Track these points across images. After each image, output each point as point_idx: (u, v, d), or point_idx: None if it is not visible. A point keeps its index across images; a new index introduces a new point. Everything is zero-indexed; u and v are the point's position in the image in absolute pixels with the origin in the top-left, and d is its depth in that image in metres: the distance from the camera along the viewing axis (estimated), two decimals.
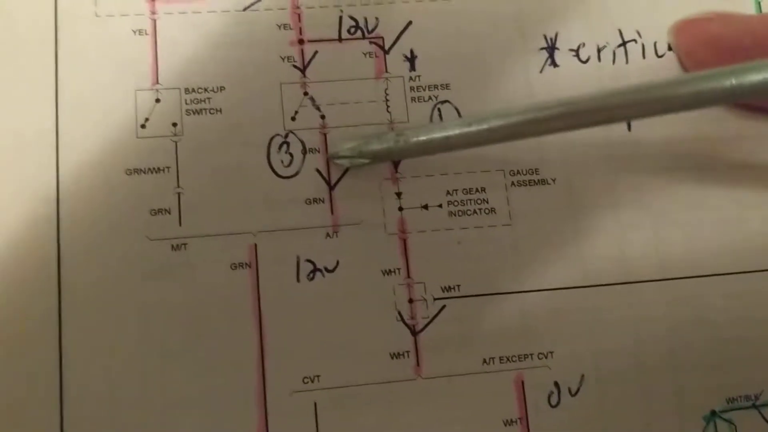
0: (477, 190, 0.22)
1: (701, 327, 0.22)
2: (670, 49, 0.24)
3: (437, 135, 0.21)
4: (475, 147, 0.21)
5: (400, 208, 0.22)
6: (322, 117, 0.22)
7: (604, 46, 0.24)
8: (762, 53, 0.21)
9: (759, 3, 0.25)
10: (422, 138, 0.21)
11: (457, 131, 0.21)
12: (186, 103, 0.22)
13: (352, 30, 0.23)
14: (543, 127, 0.20)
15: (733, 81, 0.19)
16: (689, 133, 0.24)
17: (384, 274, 0.22)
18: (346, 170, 0.22)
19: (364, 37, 0.23)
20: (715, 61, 0.22)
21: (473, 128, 0.20)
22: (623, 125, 0.23)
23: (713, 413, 0.22)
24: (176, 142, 0.22)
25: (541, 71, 0.23)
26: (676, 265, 0.23)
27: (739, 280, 0.23)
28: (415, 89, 0.23)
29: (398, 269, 0.22)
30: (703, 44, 0.23)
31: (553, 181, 0.23)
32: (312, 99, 0.22)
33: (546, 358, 0.22)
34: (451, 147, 0.21)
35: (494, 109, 0.21)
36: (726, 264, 0.23)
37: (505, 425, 0.21)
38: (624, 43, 0.24)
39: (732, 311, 0.23)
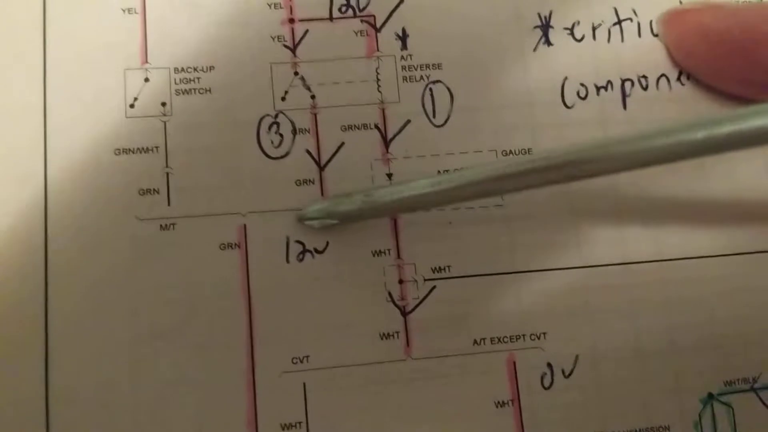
0: None
1: (699, 309, 0.22)
2: None
3: (405, 195, 0.20)
4: (444, 205, 0.21)
5: None
6: (313, 97, 0.22)
7: (599, 25, 0.24)
8: (751, 43, 0.21)
9: None
10: (390, 198, 0.20)
11: (424, 191, 0.20)
12: (175, 83, 0.22)
13: (344, 9, 0.23)
14: (512, 184, 0.19)
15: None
16: (686, 112, 0.23)
17: (374, 255, 0.22)
18: (338, 150, 0.22)
19: (355, 16, 0.23)
20: (705, 51, 0.22)
21: (441, 187, 0.19)
22: (618, 103, 0.23)
23: (710, 396, 0.22)
24: (165, 122, 0.22)
25: (534, 50, 0.23)
26: (672, 247, 0.23)
27: (736, 262, 0.23)
28: (407, 69, 0.23)
29: (388, 250, 0.22)
30: (692, 34, 0.23)
31: None
32: (302, 79, 0.22)
33: (539, 339, 0.22)
34: (420, 206, 0.21)
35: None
36: (723, 246, 0.23)
37: (497, 407, 0.21)
38: (619, 22, 0.24)
39: (729, 294, 0.22)
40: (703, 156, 0.17)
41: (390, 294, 0.21)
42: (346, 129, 0.22)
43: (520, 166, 0.19)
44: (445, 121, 0.22)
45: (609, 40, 0.23)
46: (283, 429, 0.20)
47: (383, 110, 0.22)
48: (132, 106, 0.22)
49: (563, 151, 0.18)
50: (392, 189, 0.20)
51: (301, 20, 0.23)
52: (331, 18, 0.23)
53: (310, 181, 0.22)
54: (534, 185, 0.19)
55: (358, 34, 0.23)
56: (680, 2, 0.24)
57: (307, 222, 0.21)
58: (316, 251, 0.21)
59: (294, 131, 0.22)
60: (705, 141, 0.16)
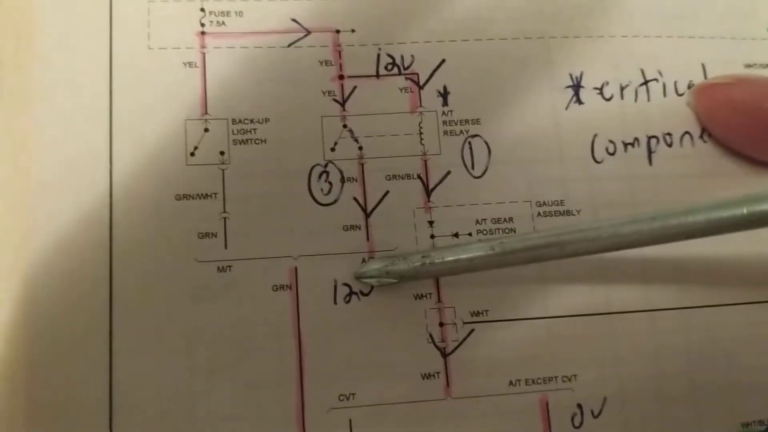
0: (505, 220, 0.23)
1: (719, 355, 0.23)
2: (690, 87, 0.25)
3: (462, 257, 0.22)
4: (497, 268, 0.22)
5: (432, 236, 0.23)
6: (360, 148, 0.24)
7: (627, 85, 0.25)
8: None
9: None
10: (447, 259, 0.22)
11: (480, 254, 0.21)
12: (233, 133, 0.23)
13: (389, 67, 0.24)
14: (562, 251, 0.21)
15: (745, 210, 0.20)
16: (708, 168, 0.25)
17: (416, 299, 0.23)
18: (383, 198, 0.23)
19: (400, 74, 0.24)
20: (734, 122, 0.24)
21: (496, 251, 0.21)
22: (644, 159, 0.24)
23: None
24: (223, 170, 0.23)
25: (566, 108, 0.25)
26: (694, 295, 0.24)
27: (755, 310, 0.24)
28: (448, 123, 0.24)
29: (430, 294, 0.23)
30: (722, 107, 0.24)
31: (578, 212, 0.24)
32: (351, 131, 0.24)
33: (570, 381, 0.23)
34: (475, 269, 0.22)
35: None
36: (742, 294, 0.24)
37: None
38: (646, 82, 0.25)
39: (748, 340, 0.24)
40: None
41: (431, 336, 0.23)
42: (390, 178, 0.23)
43: (568, 235, 0.21)
44: (483, 173, 0.24)
45: (636, 99, 0.25)
46: None
47: (425, 161, 0.24)
48: (192, 154, 0.23)
49: (608, 224, 0.21)
50: (449, 251, 0.22)
51: (350, 77, 0.24)
52: (377, 75, 0.24)
53: (356, 227, 0.23)
54: (581, 253, 0.21)
55: (403, 90, 0.24)
56: (703, 67, 0.25)
57: (365, 280, 0.22)
58: (362, 294, 0.23)
59: (342, 180, 0.23)
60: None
